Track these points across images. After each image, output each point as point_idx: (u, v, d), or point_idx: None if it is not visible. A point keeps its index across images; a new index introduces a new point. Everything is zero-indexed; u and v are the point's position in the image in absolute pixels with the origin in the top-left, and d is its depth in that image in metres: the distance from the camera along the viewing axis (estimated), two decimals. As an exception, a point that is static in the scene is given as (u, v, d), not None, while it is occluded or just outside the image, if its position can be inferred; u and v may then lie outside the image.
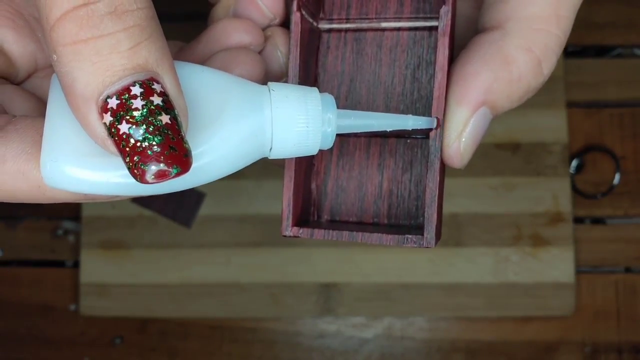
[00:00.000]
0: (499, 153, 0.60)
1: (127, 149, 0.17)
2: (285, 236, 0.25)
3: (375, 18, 0.26)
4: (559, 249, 0.58)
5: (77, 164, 0.18)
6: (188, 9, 0.60)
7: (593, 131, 0.61)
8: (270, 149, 0.20)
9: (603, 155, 0.60)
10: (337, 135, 0.26)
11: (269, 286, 0.60)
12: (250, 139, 0.19)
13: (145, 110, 0.17)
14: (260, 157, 0.20)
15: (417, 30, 0.26)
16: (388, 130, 0.22)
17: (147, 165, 0.17)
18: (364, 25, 0.26)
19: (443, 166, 0.24)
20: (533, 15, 0.22)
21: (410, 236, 0.23)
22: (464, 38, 0.26)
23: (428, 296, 0.59)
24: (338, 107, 0.21)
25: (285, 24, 0.26)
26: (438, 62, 0.23)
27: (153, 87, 0.17)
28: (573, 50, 0.62)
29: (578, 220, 0.60)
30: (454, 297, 0.59)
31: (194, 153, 0.18)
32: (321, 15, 0.27)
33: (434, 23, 0.25)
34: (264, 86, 0.20)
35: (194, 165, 0.18)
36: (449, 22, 0.23)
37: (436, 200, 0.23)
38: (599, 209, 0.60)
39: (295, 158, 0.24)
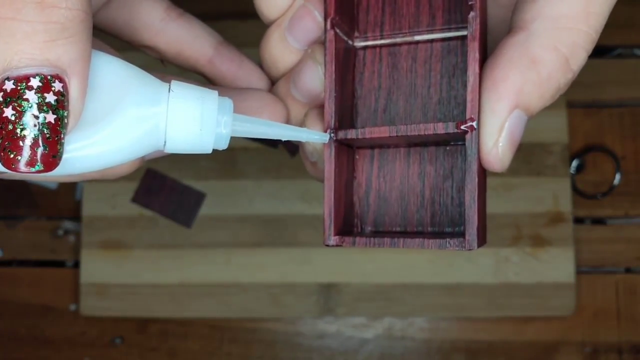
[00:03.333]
0: (499, 153, 0.59)
1: (3, 132, 0.17)
2: (327, 245, 0.25)
3: (409, 32, 0.26)
4: (559, 249, 0.58)
5: None
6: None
7: (593, 131, 0.61)
8: (165, 144, 0.21)
9: (603, 156, 0.60)
10: (376, 148, 0.27)
11: (269, 286, 0.60)
12: (143, 134, 0.20)
13: (34, 104, 0.17)
14: (155, 149, 0.21)
15: (450, 41, 0.26)
16: (283, 140, 0.24)
17: (13, 153, 0.17)
18: (398, 40, 0.26)
19: (482, 169, 0.24)
20: (560, 14, 0.22)
21: (451, 239, 0.23)
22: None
23: (428, 296, 0.59)
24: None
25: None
26: (469, 66, 0.23)
27: (53, 84, 0.17)
28: (573, 51, 0.62)
29: (578, 220, 0.60)
30: (454, 297, 0.59)
31: (86, 142, 0.19)
32: (356, 34, 0.27)
33: (465, 32, 0.25)
34: (166, 83, 0.21)
35: (85, 153, 0.19)
36: (478, 26, 0.23)
37: (476, 201, 0.23)
38: (599, 209, 0.60)
39: (335, 170, 0.25)
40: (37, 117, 0.17)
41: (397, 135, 0.24)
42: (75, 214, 0.63)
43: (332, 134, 0.25)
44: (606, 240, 0.60)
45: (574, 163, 0.60)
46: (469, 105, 0.23)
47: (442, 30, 0.26)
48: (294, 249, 0.60)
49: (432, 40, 0.26)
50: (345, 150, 0.26)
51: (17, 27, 0.17)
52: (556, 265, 0.58)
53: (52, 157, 0.18)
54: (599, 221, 0.61)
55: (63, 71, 0.18)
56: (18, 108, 0.17)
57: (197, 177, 0.61)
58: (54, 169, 0.18)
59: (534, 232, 0.59)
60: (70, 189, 0.64)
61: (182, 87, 0.21)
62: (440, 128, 0.23)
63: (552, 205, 0.59)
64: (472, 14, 0.23)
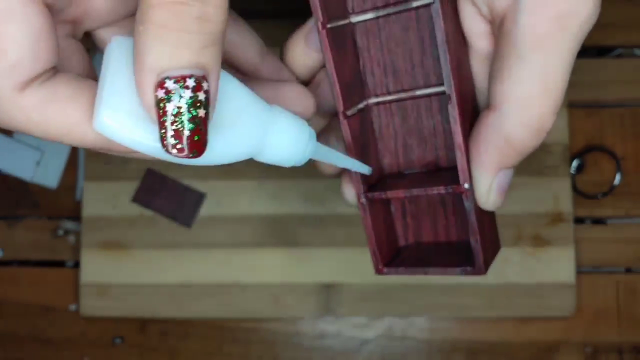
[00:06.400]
0: (499, 153, 0.59)
1: (166, 123, 0.21)
2: (380, 274, 0.33)
3: (410, 89, 0.32)
4: (560, 250, 0.58)
5: (124, 120, 0.22)
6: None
7: (594, 131, 0.61)
8: (260, 155, 0.26)
9: (604, 156, 0.60)
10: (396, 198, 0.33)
11: (269, 286, 0.60)
12: (250, 142, 0.24)
13: (190, 100, 0.21)
14: (250, 157, 0.25)
15: (443, 94, 0.31)
16: (349, 168, 0.30)
17: (175, 141, 0.21)
18: (403, 95, 0.32)
19: (480, 212, 0.31)
20: (524, 94, 0.26)
21: (467, 268, 0.30)
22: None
23: (428, 296, 0.59)
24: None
25: None
26: (456, 142, 0.28)
27: (203, 84, 0.21)
28: (573, 51, 0.62)
29: (579, 220, 0.60)
30: (455, 297, 0.59)
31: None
32: (368, 93, 0.33)
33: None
34: (271, 106, 0.25)
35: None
36: (459, 117, 0.28)
37: (479, 242, 0.30)
38: (599, 209, 0.60)
39: (372, 221, 0.32)
40: (192, 112, 0.21)
41: (410, 196, 0.31)
42: (75, 214, 0.63)
43: (364, 198, 0.31)
44: (606, 240, 0.60)
45: (575, 163, 0.60)
46: (460, 174, 0.29)
47: (437, 86, 0.31)
48: (294, 249, 0.60)
49: (430, 95, 0.32)
50: (378, 199, 0.32)
51: (181, 37, 0.20)
52: (556, 265, 0.58)
53: (202, 145, 0.21)
54: (599, 221, 0.61)
55: (208, 73, 0.21)
56: (178, 104, 0.21)
57: (197, 177, 0.61)
58: (201, 155, 0.22)
59: (535, 232, 0.59)
60: (70, 189, 0.64)
61: (284, 111, 0.26)
62: (442, 190, 0.30)
63: (553, 205, 0.59)
64: (450, 105, 0.28)
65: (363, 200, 0.31)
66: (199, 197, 0.61)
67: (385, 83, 0.33)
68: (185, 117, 0.21)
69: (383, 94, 0.33)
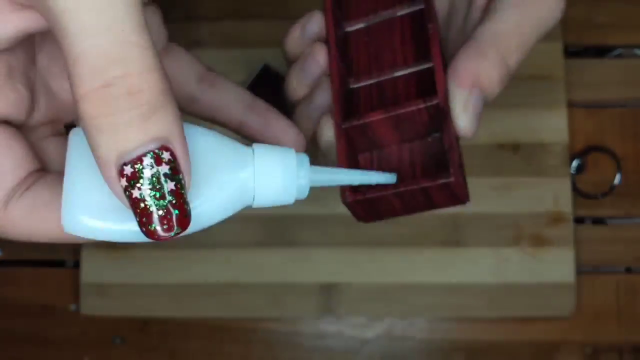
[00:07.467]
0: (499, 153, 0.59)
1: (138, 210, 0.20)
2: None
3: (389, 71, 0.34)
4: (560, 249, 0.58)
5: (94, 216, 0.21)
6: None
7: (594, 131, 0.61)
8: (253, 201, 0.24)
9: (604, 156, 0.60)
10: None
11: (269, 286, 0.60)
12: (236, 194, 0.23)
13: (154, 179, 0.19)
14: (245, 206, 0.24)
15: (421, 72, 0.33)
16: (355, 184, 0.28)
17: (152, 226, 0.20)
18: (382, 78, 0.34)
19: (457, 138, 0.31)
20: (498, 30, 0.31)
21: (445, 180, 0.30)
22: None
23: (428, 296, 0.59)
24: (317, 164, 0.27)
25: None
26: (434, 59, 0.31)
27: (162, 156, 0.19)
28: (573, 51, 0.62)
29: (579, 220, 0.60)
30: (455, 297, 0.59)
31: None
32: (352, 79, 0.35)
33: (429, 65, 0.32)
34: (249, 147, 0.24)
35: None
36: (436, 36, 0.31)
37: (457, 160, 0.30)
38: (599, 209, 0.60)
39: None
40: (160, 189, 0.19)
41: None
42: (76, 214, 0.63)
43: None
44: (606, 240, 0.60)
45: (575, 163, 0.60)
46: (439, 94, 0.30)
47: (413, 66, 0.33)
48: (294, 249, 0.60)
49: (407, 75, 0.33)
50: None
51: (116, 120, 0.19)
52: (556, 265, 0.58)
53: (184, 217, 0.20)
54: (599, 221, 0.61)
55: (166, 140, 0.19)
56: (141, 188, 0.19)
57: (197, 177, 0.61)
58: (188, 227, 0.21)
59: (535, 232, 0.59)
60: (70, 189, 0.64)
61: (264, 149, 0.24)
62: (421, 104, 0.30)
63: (553, 205, 0.59)
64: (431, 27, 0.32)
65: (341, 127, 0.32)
66: (199, 197, 0.61)
67: (368, 67, 0.34)
68: (155, 196, 0.19)
69: (366, 77, 0.34)
